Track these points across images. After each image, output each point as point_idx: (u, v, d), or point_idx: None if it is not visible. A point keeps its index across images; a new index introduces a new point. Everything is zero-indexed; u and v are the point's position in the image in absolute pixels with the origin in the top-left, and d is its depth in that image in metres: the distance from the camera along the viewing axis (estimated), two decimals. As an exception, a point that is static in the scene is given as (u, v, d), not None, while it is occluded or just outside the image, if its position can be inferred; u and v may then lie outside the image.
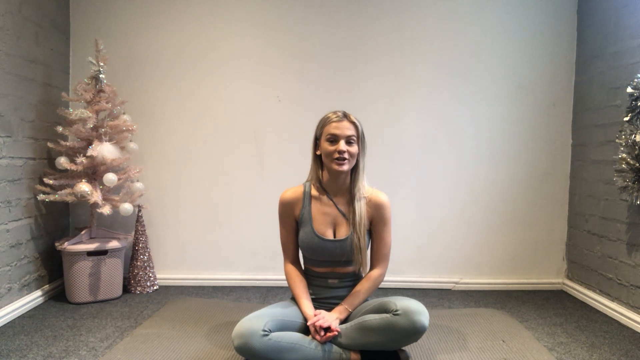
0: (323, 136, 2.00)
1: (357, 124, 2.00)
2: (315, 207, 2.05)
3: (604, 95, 2.81)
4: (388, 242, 2.08)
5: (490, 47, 3.12)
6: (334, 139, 1.97)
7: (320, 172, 2.08)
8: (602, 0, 2.88)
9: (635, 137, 2.35)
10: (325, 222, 2.04)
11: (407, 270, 3.20)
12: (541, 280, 3.20)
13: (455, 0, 3.11)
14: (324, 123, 2.02)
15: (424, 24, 3.12)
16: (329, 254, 2.01)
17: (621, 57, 2.67)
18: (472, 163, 3.17)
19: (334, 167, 1.97)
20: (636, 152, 2.35)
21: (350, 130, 1.97)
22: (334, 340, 1.90)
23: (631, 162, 2.37)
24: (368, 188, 2.07)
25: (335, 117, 1.99)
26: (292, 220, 2.09)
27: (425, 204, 3.19)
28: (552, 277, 3.22)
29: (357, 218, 2.00)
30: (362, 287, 2.04)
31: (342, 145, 1.95)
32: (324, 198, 2.06)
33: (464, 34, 3.12)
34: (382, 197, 2.06)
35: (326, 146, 1.98)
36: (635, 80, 2.38)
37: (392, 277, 3.02)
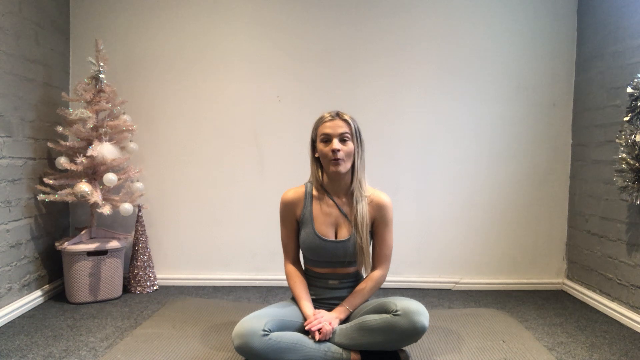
0: (318, 137, 2.00)
1: (350, 121, 1.99)
2: (317, 207, 2.05)
3: (604, 95, 2.81)
4: (389, 243, 2.08)
5: (490, 47, 3.12)
6: (327, 139, 1.97)
7: (320, 173, 2.08)
8: (602, 0, 2.88)
9: (635, 137, 2.34)
10: (326, 222, 2.03)
11: (407, 270, 3.20)
12: (541, 280, 3.20)
13: (455, 0, 3.11)
14: (317, 124, 2.02)
15: (423, 24, 3.12)
16: (329, 254, 2.01)
17: (621, 57, 2.67)
18: (472, 163, 3.17)
19: (330, 169, 1.97)
20: (636, 152, 2.35)
21: (342, 128, 1.96)
22: (333, 340, 1.90)
23: (631, 162, 2.37)
24: (370, 188, 2.07)
25: (328, 117, 1.99)
26: (293, 221, 2.09)
27: (425, 204, 3.19)
28: (552, 277, 3.22)
29: (360, 218, 1.99)
30: (363, 287, 2.04)
31: (336, 143, 1.94)
32: (326, 198, 2.06)
33: (464, 34, 3.12)
34: (383, 197, 2.06)
35: (321, 147, 1.98)
36: (635, 80, 2.38)
37: (392, 277, 3.02)
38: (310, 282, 2.10)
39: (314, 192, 2.08)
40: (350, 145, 1.97)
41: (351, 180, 2.04)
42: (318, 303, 2.05)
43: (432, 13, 3.11)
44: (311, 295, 2.06)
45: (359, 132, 2.02)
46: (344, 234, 2.02)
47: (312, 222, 2.03)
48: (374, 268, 2.08)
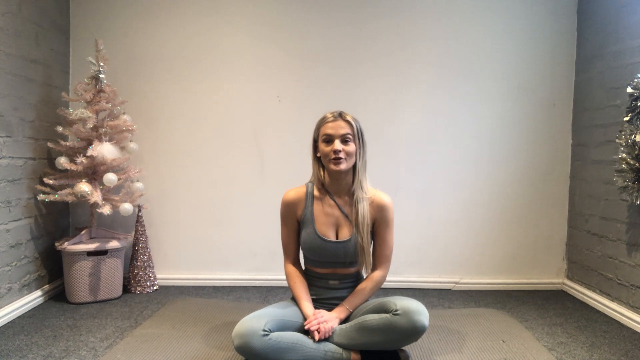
0: (320, 137, 2.00)
1: (353, 122, 1.99)
2: (318, 207, 2.05)
3: (604, 95, 2.81)
4: (390, 243, 2.07)
5: (490, 47, 3.12)
6: (329, 139, 1.97)
7: (322, 173, 2.07)
8: (602, 0, 2.88)
9: (635, 137, 2.34)
10: (327, 223, 2.03)
11: (407, 270, 3.20)
12: (541, 280, 3.20)
13: (455, 0, 3.11)
14: (319, 124, 2.02)
15: (424, 24, 3.12)
16: (330, 255, 2.01)
17: (621, 57, 2.66)
18: (472, 163, 3.17)
19: (331, 167, 1.97)
20: (636, 152, 2.35)
21: (344, 129, 1.96)
22: (333, 340, 1.90)
23: (631, 162, 2.37)
24: (371, 189, 2.06)
25: (331, 117, 1.99)
26: (294, 221, 2.09)
27: (425, 204, 3.19)
28: (552, 277, 3.22)
29: (361, 218, 1.99)
30: (364, 287, 2.04)
31: (337, 144, 1.94)
32: (327, 199, 2.06)
33: (464, 34, 3.12)
34: (384, 198, 2.06)
35: (323, 147, 1.98)
36: (635, 80, 2.38)
37: (392, 277, 3.01)
38: (311, 282, 2.09)
39: (315, 193, 2.08)
40: (352, 146, 1.97)
41: (352, 180, 2.04)
42: (318, 303, 2.05)
43: (432, 13, 3.11)
44: (311, 295, 2.06)
45: (362, 133, 2.01)
46: (344, 235, 2.02)
47: (313, 222, 2.03)
48: (374, 268, 2.07)
